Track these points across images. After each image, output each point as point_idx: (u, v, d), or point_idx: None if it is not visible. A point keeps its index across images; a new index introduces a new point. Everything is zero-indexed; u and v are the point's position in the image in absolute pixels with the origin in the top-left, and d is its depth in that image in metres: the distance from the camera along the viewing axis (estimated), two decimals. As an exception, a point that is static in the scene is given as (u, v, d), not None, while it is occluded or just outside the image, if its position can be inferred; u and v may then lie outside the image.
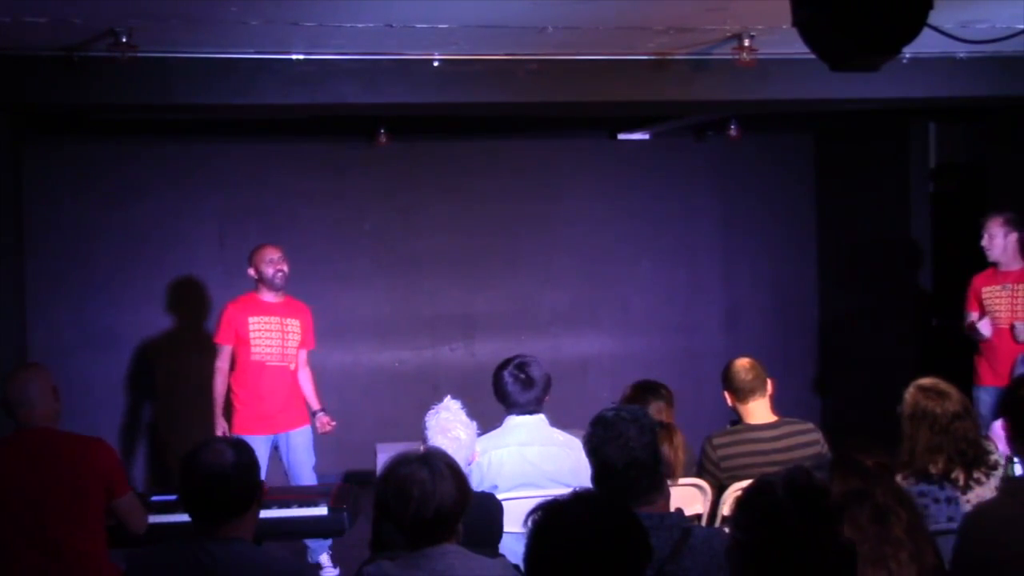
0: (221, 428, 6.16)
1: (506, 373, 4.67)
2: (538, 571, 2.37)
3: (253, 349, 6.15)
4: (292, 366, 6.27)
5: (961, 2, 4.74)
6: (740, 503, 2.45)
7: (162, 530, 4.34)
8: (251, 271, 6.21)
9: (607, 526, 2.36)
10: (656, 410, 4.57)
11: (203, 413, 8.07)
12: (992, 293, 6.56)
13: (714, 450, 4.70)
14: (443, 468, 2.93)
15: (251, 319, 6.15)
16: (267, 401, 6.19)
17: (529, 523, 2.39)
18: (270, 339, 6.19)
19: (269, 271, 6.15)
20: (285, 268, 6.20)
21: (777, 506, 2.37)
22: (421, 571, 2.87)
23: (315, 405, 6.45)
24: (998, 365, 6.39)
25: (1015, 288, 6.51)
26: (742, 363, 4.78)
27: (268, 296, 6.21)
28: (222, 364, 6.19)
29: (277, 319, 6.21)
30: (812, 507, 2.36)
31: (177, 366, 8.19)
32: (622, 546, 2.35)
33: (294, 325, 6.26)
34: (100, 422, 7.89)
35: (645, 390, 4.95)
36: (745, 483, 4.48)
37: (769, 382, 4.81)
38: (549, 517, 2.38)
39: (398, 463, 2.97)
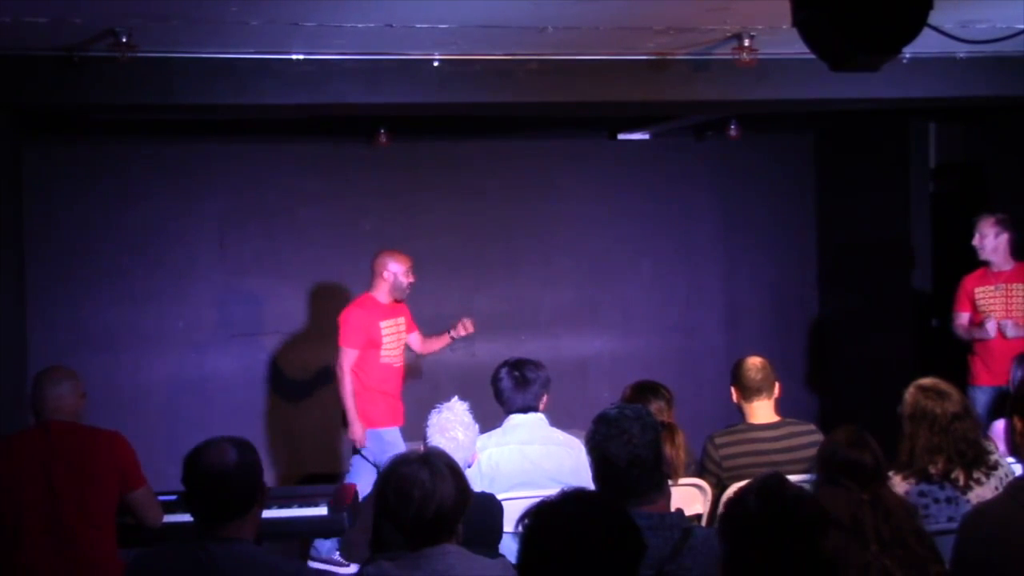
0: (361, 429, 6.35)
1: (502, 372, 4.71)
2: (532, 573, 2.36)
3: (383, 352, 6.41)
4: (403, 363, 6.60)
5: (961, 2, 4.74)
6: (720, 512, 2.45)
7: (161, 529, 4.36)
8: (385, 274, 6.41)
9: (598, 524, 2.36)
10: (657, 410, 4.57)
11: (202, 413, 8.11)
12: (985, 293, 6.57)
13: (716, 449, 4.71)
14: (443, 468, 2.94)
15: (382, 323, 6.40)
16: (394, 398, 6.46)
17: (520, 527, 2.39)
18: (393, 341, 6.47)
19: (405, 281, 6.44)
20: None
21: (748, 515, 2.35)
22: (421, 571, 2.87)
23: (445, 338, 6.82)
24: (993, 364, 6.40)
25: (1008, 288, 6.53)
26: (754, 362, 4.81)
27: (385, 299, 6.44)
28: (352, 367, 6.36)
29: (393, 320, 6.48)
30: (783, 516, 2.33)
31: (177, 366, 8.19)
32: (614, 543, 2.35)
33: (401, 323, 6.54)
34: (98, 422, 7.88)
35: (645, 390, 4.96)
36: (746, 483, 4.50)
37: (777, 385, 4.83)
38: (540, 519, 2.37)
39: (399, 463, 2.98)
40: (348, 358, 6.35)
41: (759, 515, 2.33)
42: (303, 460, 8.38)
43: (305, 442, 8.41)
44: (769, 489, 2.38)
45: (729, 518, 2.40)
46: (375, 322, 6.37)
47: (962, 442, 3.98)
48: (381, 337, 6.39)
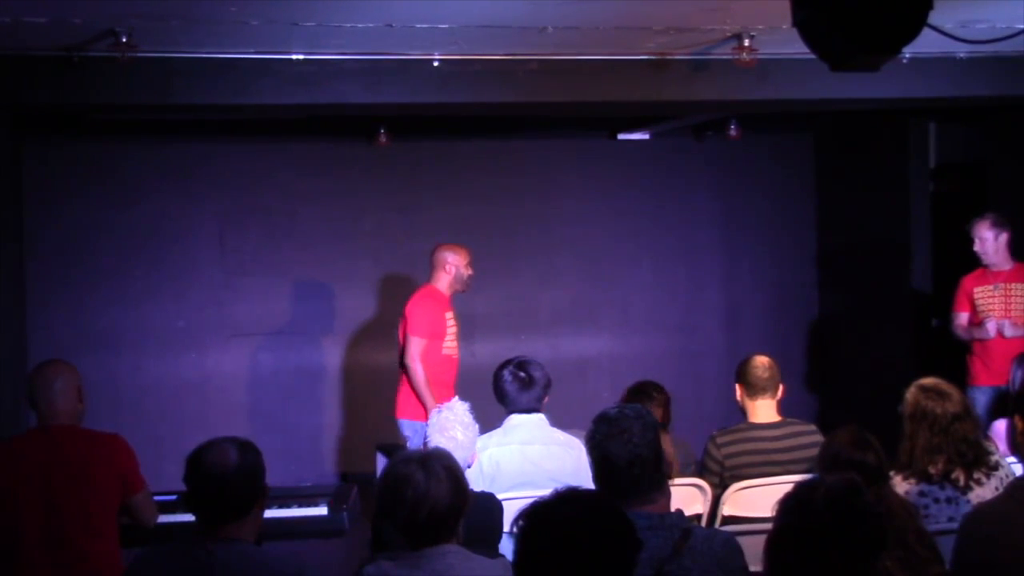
0: None
1: (506, 373, 4.70)
2: (528, 574, 2.36)
3: (446, 344, 6.42)
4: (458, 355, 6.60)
5: (961, 2, 4.74)
6: (786, 494, 2.47)
7: (161, 529, 4.35)
8: (447, 267, 6.43)
9: (592, 523, 2.36)
10: (647, 412, 4.57)
11: (204, 412, 8.11)
12: (984, 293, 6.56)
13: (718, 448, 4.71)
14: (440, 471, 2.92)
15: (447, 315, 6.43)
16: (451, 390, 6.38)
17: (515, 529, 2.39)
18: (453, 334, 6.49)
19: (466, 273, 6.46)
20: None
21: (812, 509, 2.37)
22: (421, 571, 2.87)
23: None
24: (993, 364, 6.38)
25: (1007, 287, 6.51)
26: (761, 360, 4.81)
27: (447, 291, 6.47)
28: (422, 355, 6.30)
29: (453, 313, 6.50)
30: (843, 525, 2.35)
31: (177, 366, 8.19)
32: (609, 542, 2.35)
33: (453, 318, 6.53)
34: (98, 422, 7.88)
35: (638, 393, 5.02)
36: (746, 483, 4.51)
37: (781, 386, 4.83)
38: (534, 520, 2.37)
39: (398, 462, 2.98)
40: (418, 347, 6.29)
41: (822, 514, 2.35)
42: (304, 460, 8.38)
43: (306, 443, 8.41)
44: (840, 493, 2.39)
45: (794, 501, 2.42)
46: (441, 313, 6.39)
47: (962, 443, 3.98)
48: (445, 328, 6.40)
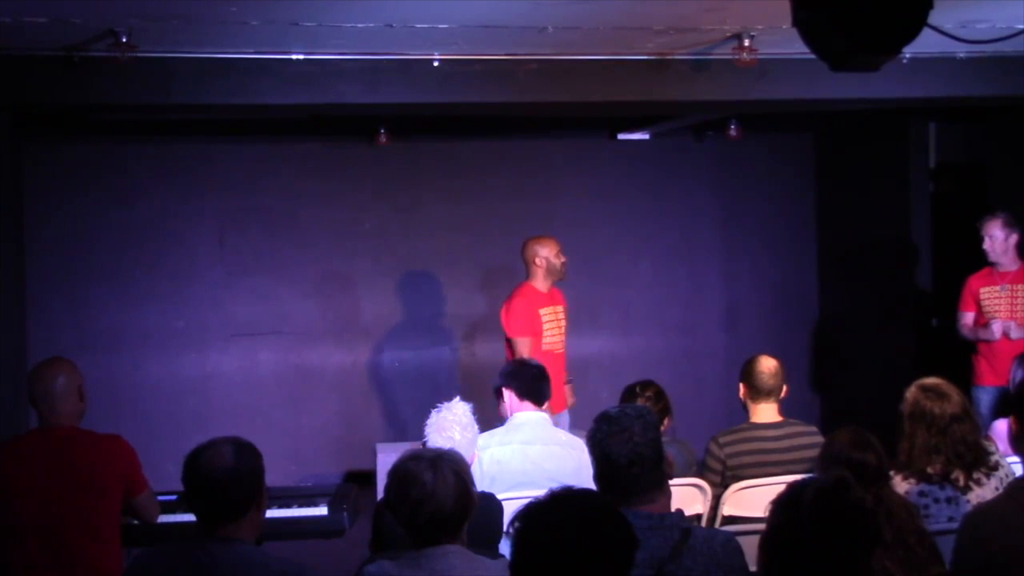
0: None
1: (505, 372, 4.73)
2: (525, 575, 2.37)
3: (545, 339, 6.39)
4: (564, 348, 6.56)
5: (961, 2, 4.74)
6: (779, 493, 2.48)
7: (161, 529, 4.35)
8: (538, 260, 6.41)
9: (588, 523, 2.36)
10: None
11: (204, 412, 8.11)
12: (991, 294, 6.55)
13: (720, 448, 4.72)
14: (448, 474, 2.92)
15: (541, 311, 6.39)
16: (558, 383, 6.26)
17: (511, 529, 2.39)
18: (554, 329, 6.45)
19: (557, 263, 6.43)
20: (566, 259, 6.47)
21: (801, 507, 2.37)
22: (422, 571, 2.87)
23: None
24: (998, 364, 6.37)
25: (1014, 288, 6.51)
26: (769, 365, 4.80)
27: (543, 287, 6.44)
28: (529, 353, 6.23)
29: (552, 308, 6.46)
30: (831, 521, 2.35)
31: (178, 366, 8.19)
32: (605, 541, 2.35)
33: (561, 312, 6.52)
34: (98, 422, 7.88)
35: (629, 394, 5.06)
36: (746, 483, 4.51)
37: (784, 387, 4.84)
38: (529, 521, 2.37)
39: (409, 457, 2.98)
40: (524, 347, 6.22)
41: (811, 511, 2.36)
42: (304, 460, 8.38)
43: (306, 443, 8.41)
44: (829, 490, 2.40)
45: (785, 499, 2.43)
46: (535, 310, 6.36)
47: (960, 444, 3.98)
48: (542, 325, 6.38)
